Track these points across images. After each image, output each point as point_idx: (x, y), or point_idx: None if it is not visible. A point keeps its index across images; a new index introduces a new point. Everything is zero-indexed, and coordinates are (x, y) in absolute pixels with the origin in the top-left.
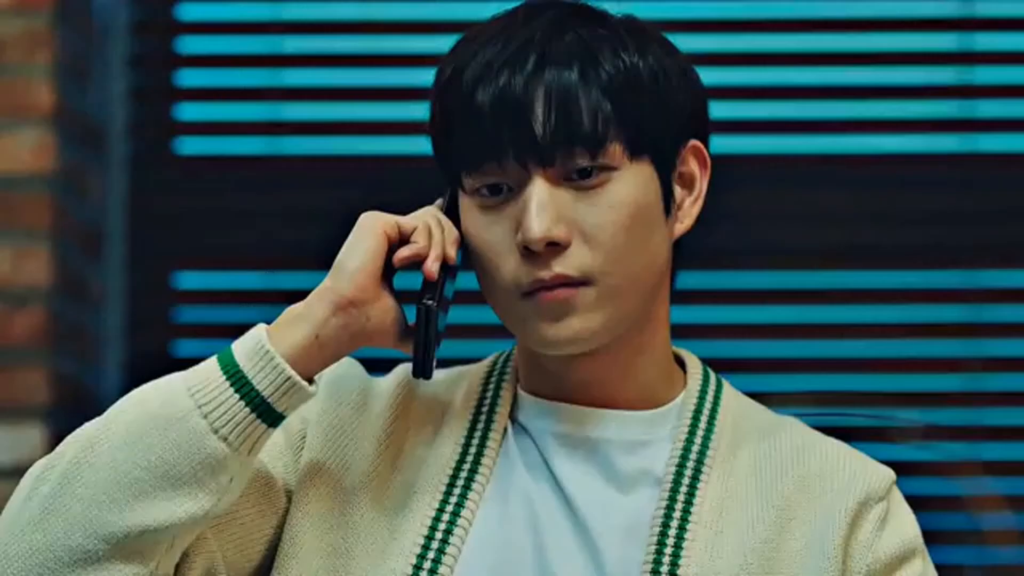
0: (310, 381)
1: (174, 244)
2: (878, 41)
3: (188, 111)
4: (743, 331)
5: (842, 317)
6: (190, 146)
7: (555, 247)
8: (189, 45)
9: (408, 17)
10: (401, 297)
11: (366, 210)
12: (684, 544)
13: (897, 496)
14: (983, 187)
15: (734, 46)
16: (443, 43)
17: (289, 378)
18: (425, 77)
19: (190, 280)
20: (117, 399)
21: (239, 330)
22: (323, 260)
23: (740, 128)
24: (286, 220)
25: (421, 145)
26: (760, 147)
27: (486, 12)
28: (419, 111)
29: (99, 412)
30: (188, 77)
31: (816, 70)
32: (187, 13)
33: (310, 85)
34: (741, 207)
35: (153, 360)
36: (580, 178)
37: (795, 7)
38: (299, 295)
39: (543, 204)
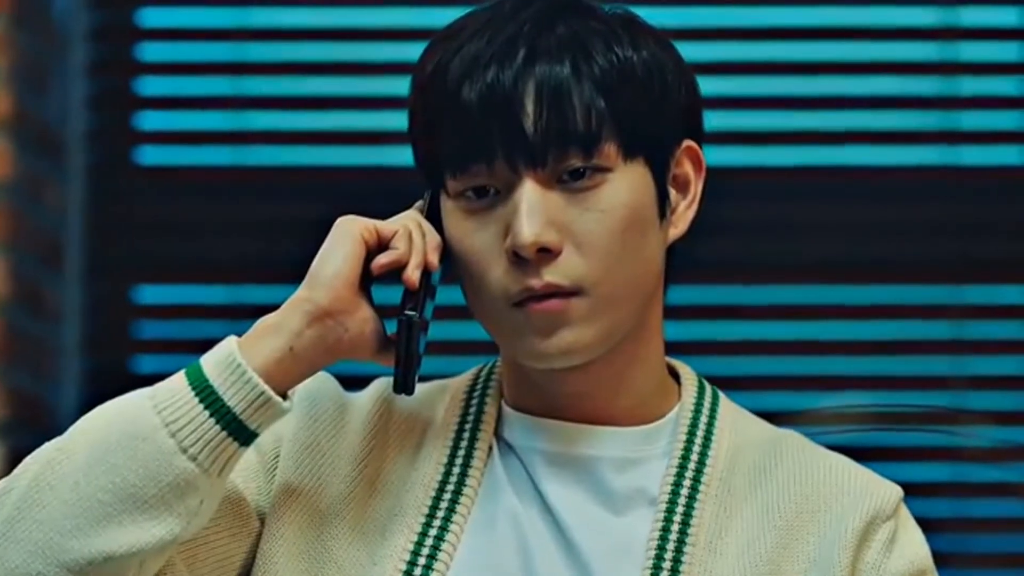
0: (284, 396)
1: (134, 256)
2: (859, 51)
3: (150, 119)
4: (722, 348)
5: (821, 333)
6: (151, 155)
7: (546, 253)
8: (151, 52)
9: (376, 24)
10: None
11: (332, 222)
12: (681, 567)
13: (905, 514)
14: (966, 200)
15: (713, 55)
16: (413, 51)
17: (262, 393)
18: (394, 85)
19: (151, 294)
20: (75, 416)
21: (201, 346)
22: (289, 273)
23: (716, 139)
24: (251, 232)
25: (390, 155)
26: (736, 159)
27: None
28: (388, 120)
29: (56, 429)
30: (150, 85)
31: (796, 80)
32: (149, 19)
33: (275, 94)
34: (721, 220)
35: (112, 376)
36: (572, 180)
37: (775, 16)
38: (264, 310)
39: (534, 207)
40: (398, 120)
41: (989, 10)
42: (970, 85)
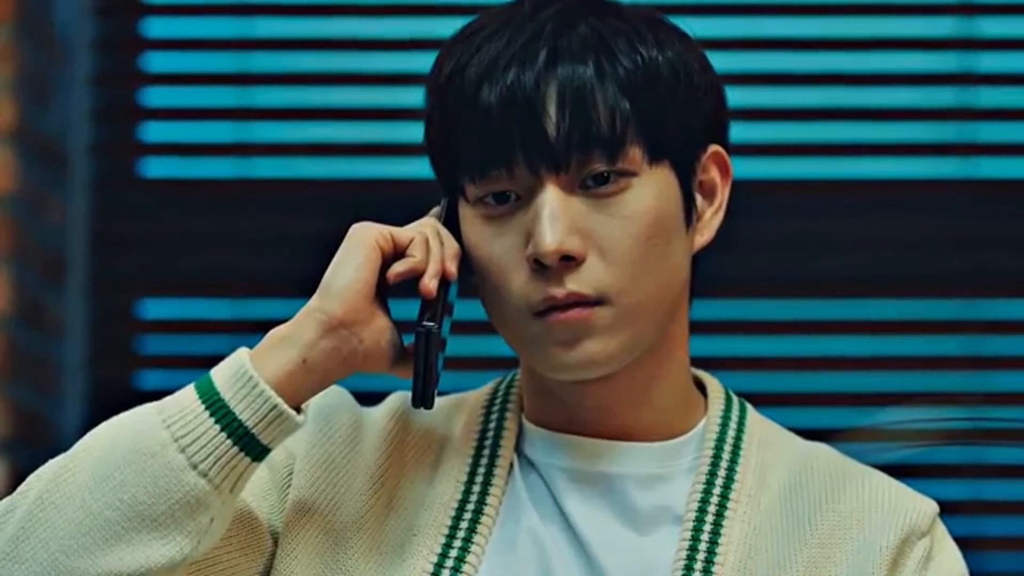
0: (298, 410)
1: (139, 270)
2: (876, 62)
3: (154, 131)
4: (736, 363)
5: (837, 349)
6: (156, 168)
7: (569, 262)
8: (156, 62)
9: (382, 35)
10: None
11: (339, 235)
12: None
13: (941, 531)
14: (984, 213)
15: (729, 66)
16: (419, 61)
17: (275, 406)
18: (401, 96)
19: (155, 308)
20: (78, 432)
21: (206, 361)
22: (295, 287)
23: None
24: (256, 245)
25: (398, 167)
26: (750, 171)
27: None
28: (395, 132)
29: (59, 446)
30: (154, 96)
31: (812, 91)
32: (154, 29)
33: (281, 105)
34: (733, 233)
35: (116, 392)
36: (596, 185)
37: (790, 26)
38: (270, 324)
39: (556, 213)
40: (406, 131)
41: (1007, 20)
42: (988, 96)
